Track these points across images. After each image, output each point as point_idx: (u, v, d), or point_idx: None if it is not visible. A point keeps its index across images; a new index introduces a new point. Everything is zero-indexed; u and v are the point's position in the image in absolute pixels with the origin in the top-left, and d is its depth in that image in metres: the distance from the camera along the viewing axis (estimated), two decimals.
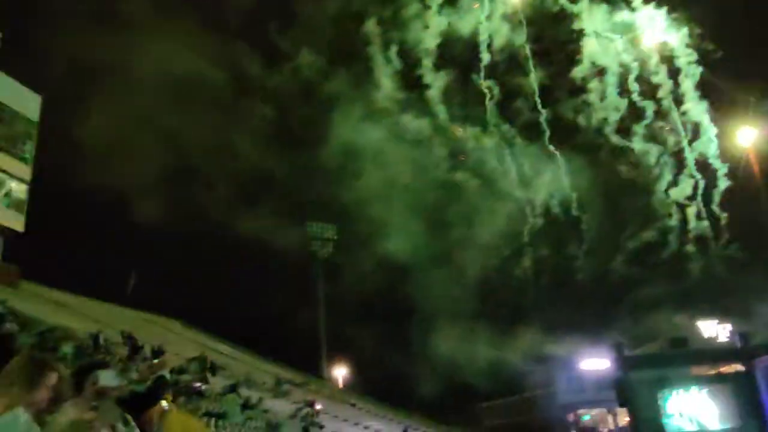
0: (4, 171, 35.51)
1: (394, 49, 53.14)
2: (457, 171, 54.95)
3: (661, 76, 49.46)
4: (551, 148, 52.43)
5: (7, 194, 35.75)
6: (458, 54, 52.87)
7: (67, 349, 16.87)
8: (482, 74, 51.82)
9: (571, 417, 46.14)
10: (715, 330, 42.49)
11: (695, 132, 49.94)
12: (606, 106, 51.29)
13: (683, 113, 49.76)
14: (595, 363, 42.86)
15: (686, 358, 15.67)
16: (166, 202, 60.13)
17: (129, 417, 3.68)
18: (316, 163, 56.28)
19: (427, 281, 53.54)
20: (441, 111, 53.28)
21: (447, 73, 52.78)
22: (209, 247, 60.87)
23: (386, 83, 53.99)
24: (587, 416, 46.23)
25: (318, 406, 30.49)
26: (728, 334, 41.10)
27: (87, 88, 54.01)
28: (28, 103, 37.38)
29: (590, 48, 50.21)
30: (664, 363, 15.63)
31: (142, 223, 55.02)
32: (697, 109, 49.02)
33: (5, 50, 37.01)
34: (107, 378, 3.40)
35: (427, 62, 52.21)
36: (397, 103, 54.61)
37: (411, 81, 53.58)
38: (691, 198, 50.96)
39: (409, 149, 54.64)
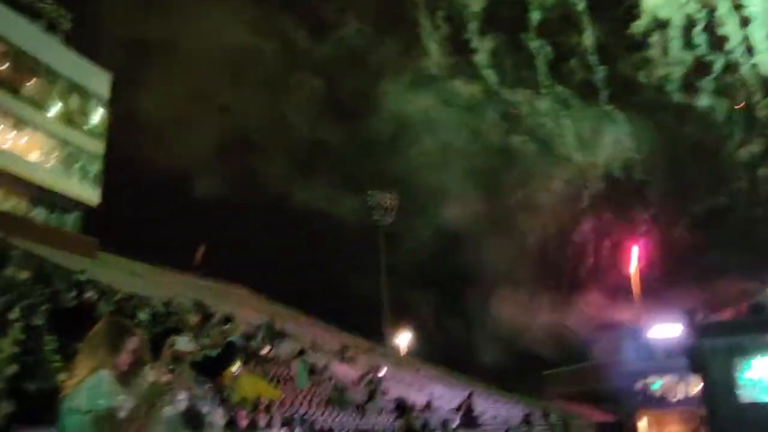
0: (78, 147, 37.16)
1: (440, 14, 51.82)
2: (512, 135, 53.63)
3: (730, 26, 46.30)
4: (610, 108, 50.31)
5: (83, 169, 37.46)
6: (507, 14, 51.06)
7: (143, 316, 17.67)
8: (533, 34, 49.91)
9: (639, 385, 45.19)
10: None
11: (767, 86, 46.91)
12: (669, 61, 48.49)
13: (754, 66, 46.61)
14: (665, 330, 41.74)
15: (764, 325, 15.01)
16: (227, 174, 61.50)
17: (203, 379, 3.83)
18: (370, 132, 56.24)
19: (486, 247, 53.10)
20: (492, 75, 51.90)
21: (496, 35, 51.20)
22: (272, 218, 62.22)
23: (434, 49, 52.89)
24: (656, 384, 45.15)
25: (382, 372, 31.00)
26: None
27: (142, 65, 55.29)
28: (98, 81, 38.80)
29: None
30: (740, 330, 15.04)
31: (206, 194, 56.59)
32: None
33: (73, 30, 38.43)
34: (182, 343, 3.54)
35: (475, 25, 50.73)
36: (446, 69, 53.49)
37: (460, 45, 52.31)
38: (763, 157, 48.03)
39: (462, 115, 53.66)
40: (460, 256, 57.51)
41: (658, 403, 43.68)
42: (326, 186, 58.59)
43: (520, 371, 52.51)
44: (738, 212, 48.60)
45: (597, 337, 49.47)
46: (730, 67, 46.85)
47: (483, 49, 51.07)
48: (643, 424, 43.41)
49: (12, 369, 3.99)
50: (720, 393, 13.93)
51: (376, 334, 52.48)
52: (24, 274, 18.03)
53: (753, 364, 14.12)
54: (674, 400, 43.40)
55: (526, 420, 28.52)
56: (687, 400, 40.01)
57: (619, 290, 47.98)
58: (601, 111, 50.42)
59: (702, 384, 15.65)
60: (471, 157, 53.68)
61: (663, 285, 46.16)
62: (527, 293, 51.52)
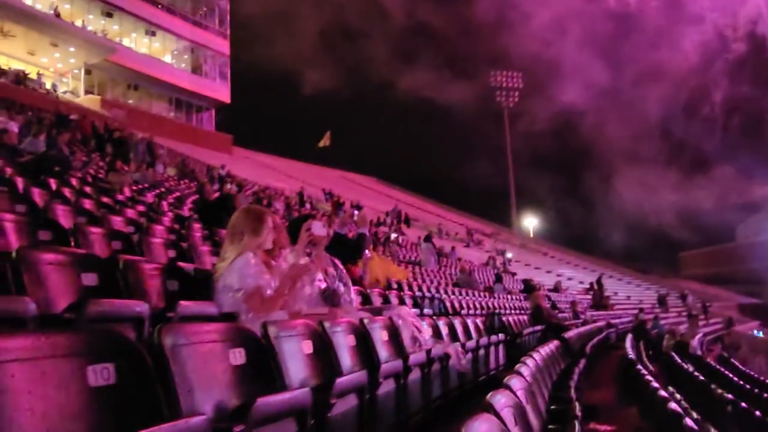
0: (208, 47, 38.60)
1: None
2: None
3: None
4: None
5: (213, 68, 39.10)
6: None
7: (278, 205, 18.81)
8: None
9: None
10: None
11: None
12: None
13: None
14: None
15: None
16: (338, 66, 60.59)
17: (337, 261, 4.05)
18: (473, 12, 52.54)
19: (611, 123, 49.77)
20: None
21: None
22: (387, 106, 61.87)
23: None
24: None
25: (509, 255, 31.27)
26: None
27: None
28: None
29: None
30: None
31: (320, 88, 56.48)
32: None
33: None
34: (317, 228, 3.73)
35: None
36: None
37: None
38: None
39: None
40: (585, 135, 54.77)
41: None
42: (436, 71, 56.61)
43: (653, 254, 50.73)
44: None
45: (740, 216, 46.12)
46: None
47: None
48: None
49: (171, 254, 4.44)
50: None
51: (502, 218, 52.43)
52: (171, 171, 19.61)
53: None
54: None
55: (661, 301, 27.92)
56: None
57: (762, 165, 43.58)
58: None
59: None
60: (588, 25, 48.99)
61: None
62: (656, 172, 48.34)
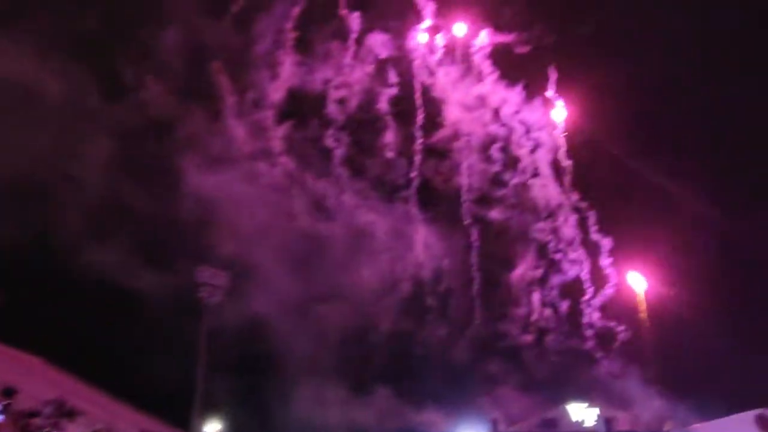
0: None
1: (244, 94, 52.07)
2: (321, 222, 53.35)
3: (524, 150, 51.90)
4: (412, 209, 52.33)
5: None
6: (309, 104, 52.30)
7: None
8: (334, 128, 51.76)
9: None
10: (583, 414, 43.67)
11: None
12: (469, 172, 52.29)
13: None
14: None
15: None
16: (12, 221, 53.58)
17: None
18: (175, 204, 53.18)
19: (293, 335, 51.79)
20: (290, 161, 52.48)
21: (296, 123, 52.19)
22: (76, 282, 56.07)
23: (237, 127, 52.57)
24: None
25: None
26: (595, 419, 42.77)
27: None
28: None
29: (454, 113, 52.13)
30: None
31: None
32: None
33: None
34: None
35: (276, 111, 52.00)
36: (250, 150, 52.92)
37: (263, 127, 52.43)
38: (542, 281, 51.40)
39: (270, 196, 52.82)
40: (270, 343, 55.69)
41: None
42: (130, 253, 53.55)
43: None
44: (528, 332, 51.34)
45: None
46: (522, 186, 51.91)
47: (280, 136, 52.05)
48: None
49: None
50: None
51: (183, 421, 48.91)
52: None
53: None
54: None
55: None
56: None
57: (418, 392, 48.95)
58: (405, 211, 52.23)
59: None
60: (282, 240, 52.53)
61: (465, 393, 47.77)
62: (329, 387, 50.87)
